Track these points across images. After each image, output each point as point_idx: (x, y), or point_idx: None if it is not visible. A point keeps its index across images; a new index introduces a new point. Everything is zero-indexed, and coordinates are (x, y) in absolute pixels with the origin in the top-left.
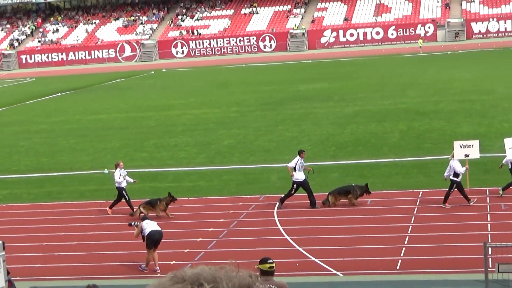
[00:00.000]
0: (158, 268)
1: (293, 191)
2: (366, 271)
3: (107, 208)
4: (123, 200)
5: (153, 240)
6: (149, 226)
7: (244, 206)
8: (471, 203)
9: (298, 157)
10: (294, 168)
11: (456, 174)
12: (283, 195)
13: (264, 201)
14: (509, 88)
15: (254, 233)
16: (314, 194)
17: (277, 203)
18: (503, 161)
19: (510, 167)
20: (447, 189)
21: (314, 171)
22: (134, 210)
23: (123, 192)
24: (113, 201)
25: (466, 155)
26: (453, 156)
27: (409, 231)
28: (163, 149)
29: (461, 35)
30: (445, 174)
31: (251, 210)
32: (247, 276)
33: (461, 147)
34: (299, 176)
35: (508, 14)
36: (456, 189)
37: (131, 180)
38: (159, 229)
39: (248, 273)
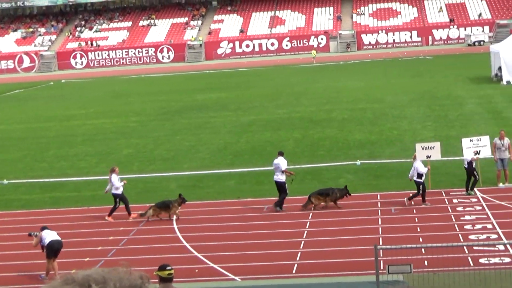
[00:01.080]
0: (58, 277)
1: (288, 192)
2: (264, 276)
3: (106, 217)
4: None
5: (53, 250)
6: (49, 235)
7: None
8: (427, 205)
9: (282, 157)
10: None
11: (419, 175)
12: (277, 201)
13: None
14: (398, 96)
15: (154, 241)
16: (209, 201)
17: (276, 208)
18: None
19: (466, 166)
20: (415, 191)
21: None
22: (131, 214)
23: (117, 199)
24: (112, 207)
25: (428, 156)
26: (415, 158)
27: (304, 236)
28: (63, 159)
29: (352, 46)
30: (409, 175)
31: (150, 219)
32: (138, 278)
33: (422, 149)
34: (283, 177)
35: (396, 26)
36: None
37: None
38: (59, 238)
39: (139, 275)
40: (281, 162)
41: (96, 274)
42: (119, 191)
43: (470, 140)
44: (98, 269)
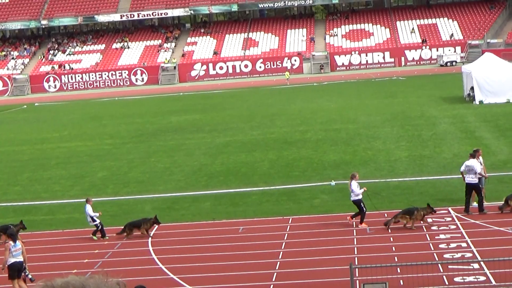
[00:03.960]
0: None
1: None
2: None
3: (350, 220)
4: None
5: (15, 270)
6: (13, 255)
7: (119, 237)
8: None
9: (474, 159)
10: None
11: None
12: (479, 206)
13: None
14: (372, 117)
15: (129, 263)
16: (185, 223)
17: (483, 211)
18: None
19: None
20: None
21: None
22: (363, 223)
23: (361, 204)
24: (354, 213)
25: None
26: None
27: (280, 257)
28: (37, 183)
29: (326, 68)
30: None
31: (125, 241)
32: (115, 284)
33: None
34: (476, 179)
35: (369, 47)
36: None
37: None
38: (21, 259)
39: (116, 281)
40: (475, 164)
41: (74, 281)
42: (359, 197)
43: None
44: (75, 276)
